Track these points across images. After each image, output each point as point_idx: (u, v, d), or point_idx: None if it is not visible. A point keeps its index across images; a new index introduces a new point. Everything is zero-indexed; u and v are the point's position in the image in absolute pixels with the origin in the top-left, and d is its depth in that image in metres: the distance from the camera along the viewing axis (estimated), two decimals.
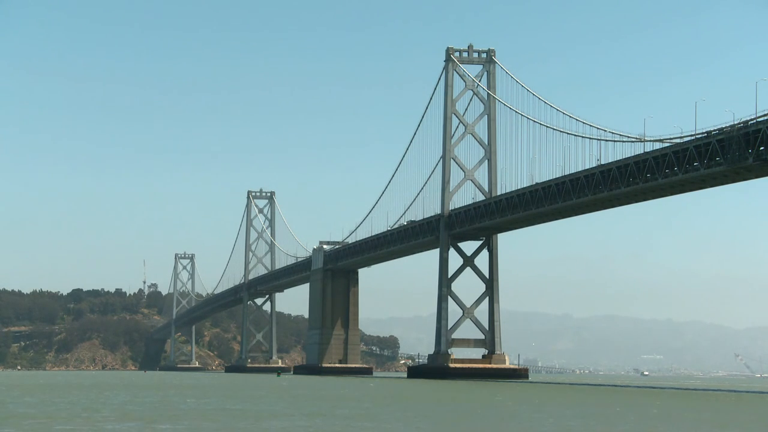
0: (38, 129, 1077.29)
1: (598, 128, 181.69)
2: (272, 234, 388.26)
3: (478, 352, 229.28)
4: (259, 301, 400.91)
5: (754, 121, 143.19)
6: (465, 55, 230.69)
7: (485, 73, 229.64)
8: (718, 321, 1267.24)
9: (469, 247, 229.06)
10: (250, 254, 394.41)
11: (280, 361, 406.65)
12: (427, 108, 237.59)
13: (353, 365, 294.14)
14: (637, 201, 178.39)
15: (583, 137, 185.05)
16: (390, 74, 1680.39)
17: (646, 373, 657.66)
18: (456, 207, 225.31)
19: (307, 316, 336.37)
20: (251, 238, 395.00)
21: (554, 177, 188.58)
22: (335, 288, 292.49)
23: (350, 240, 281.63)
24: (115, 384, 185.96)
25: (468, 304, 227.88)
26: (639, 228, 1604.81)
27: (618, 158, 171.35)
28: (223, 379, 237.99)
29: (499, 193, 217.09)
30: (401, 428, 72.18)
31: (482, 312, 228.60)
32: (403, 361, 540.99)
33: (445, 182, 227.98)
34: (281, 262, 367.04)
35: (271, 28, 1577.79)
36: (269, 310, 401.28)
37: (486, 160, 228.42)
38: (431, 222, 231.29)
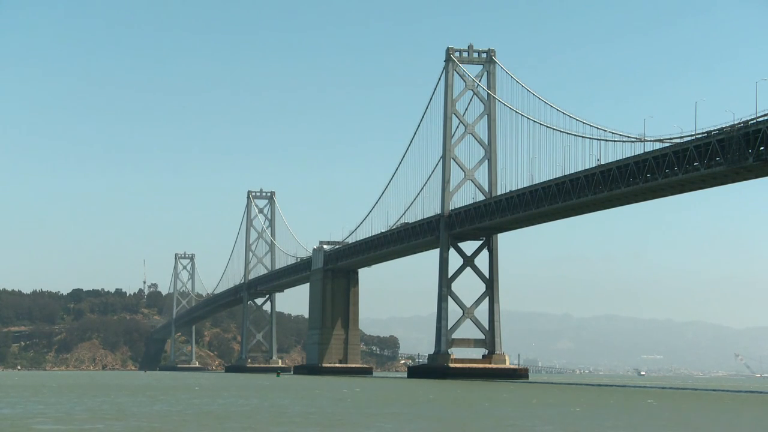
0: (38, 129, 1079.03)
1: (598, 128, 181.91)
2: (272, 234, 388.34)
3: (478, 352, 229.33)
4: (259, 301, 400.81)
5: (754, 121, 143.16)
6: (465, 55, 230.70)
7: (485, 73, 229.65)
8: (718, 321, 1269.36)
9: (469, 247, 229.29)
10: (250, 254, 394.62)
11: (280, 361, 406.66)
12: (427, 108, 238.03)
13: (353, 365, 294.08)
14: (637, 201, 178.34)
15: (583, 137, 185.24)
16: (390, 74, 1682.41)
17: (643, 372, 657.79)
18: (456, 207, 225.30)
19: (307, 316, 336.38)
20: (251, 238, 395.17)
21: (554, 177, 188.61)
22: (335, 288, 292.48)
23: (350, 240, 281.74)
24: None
25: (468, 304, 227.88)
26: (639, 228, 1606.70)
27: (618, 158, 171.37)
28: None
29: (499, 193, 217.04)
30: None
31: (482, 312, 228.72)
32: (403, 361, 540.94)
33: (445, 182, 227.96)
34: (281, 262, 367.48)
35: (271, 28, 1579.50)
36: (269, 310, 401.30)
37: (486, 160, 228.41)
38: (431, 222, 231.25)
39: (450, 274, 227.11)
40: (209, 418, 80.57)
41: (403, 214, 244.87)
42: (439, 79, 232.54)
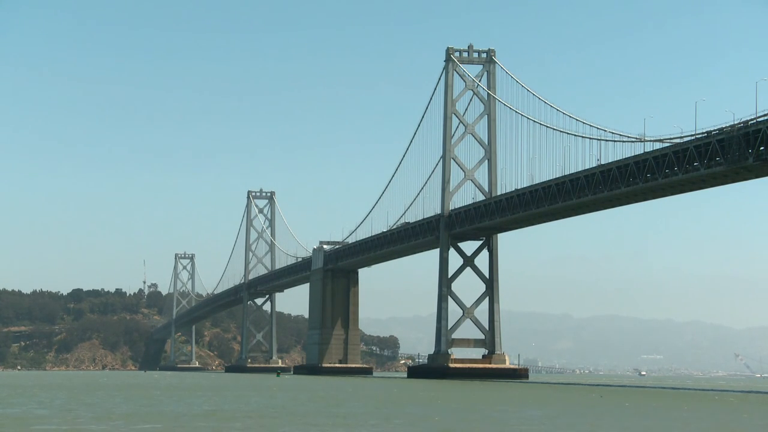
0: (38, 129, 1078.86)
1: (598, 128, 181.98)
2: (272, 234, 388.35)
3: (478, 352, 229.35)
4: (259, 301, 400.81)
5: (754, 121, 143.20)
6: (465, 55, 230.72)
7: (485, 73, 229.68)
8: (718, 321, 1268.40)
9: (469, 247, 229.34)
10: (250, 254, 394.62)
11: (280, 361, 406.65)
12: (427, 108, 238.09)
13: (353, 365, 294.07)
14: (637, 201, 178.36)
15: (583, 137, 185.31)
16: (390, 74, 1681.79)
17: (644, 373, 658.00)
18: (456, 207, 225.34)
19: (307, 316, 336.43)
20: (251, 238, 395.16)
21: (554, 177, 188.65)
22: (335, 288, 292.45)
23: (350, 240, 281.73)
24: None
25: (468, 304, 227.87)
26: (639, 228, 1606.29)
27: (618, 158, 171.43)
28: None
29: (499, 193, 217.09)
30: None
31: (482, 312, 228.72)
32: (403, 361, 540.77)
33: (445, 182, 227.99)
34: (281, 262, 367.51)
35: (271, 28, 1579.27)
36: (269, 310, 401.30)
37: (486, 160, 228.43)
38: (431, 222, 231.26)
39: (450, 274, 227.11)
40: (214, 418, 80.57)
41: (403, 214, 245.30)
42: (439, 79, 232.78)
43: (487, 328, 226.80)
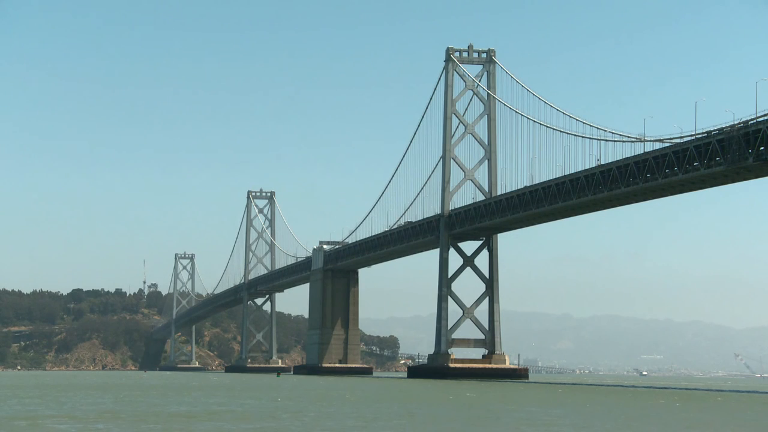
0: (38, 129, 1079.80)
1: (598, 128, 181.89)
2: (272, 234, 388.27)
3: (478, 352, 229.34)
4: (259, 301, 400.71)
5: (754, 121, 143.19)
6: (465, 55, 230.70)
7: (485, 73, 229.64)
8: (718, 321, 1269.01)
9: (469, 247, 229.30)
10: (250, 254, 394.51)
11: (280, 361, 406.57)
12: (427, 108, 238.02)
13: (353, 365, 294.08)
14: (637, 201, 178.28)
15: (583, 137, 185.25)
16: (390, 74, 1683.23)
17: (645, 373, 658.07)
18: (456, 207, 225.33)
19: (307, 316, 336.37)
20: (251, 238, 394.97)
21: (554, 177, 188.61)
22: (335, 288, 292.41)
23: (350, 240, 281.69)
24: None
25: (468, 304, 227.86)
26: (639, 228, 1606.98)
27: (618, 158, 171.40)
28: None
29: (499, 193, 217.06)
30: None
31: (482, 312, 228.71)
32: (403, 361, 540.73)
33: (445, 182, 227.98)
34: (281, 262, 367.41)
35: (271, 28, 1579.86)
36: (269, 310, 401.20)
37: (486, 160, 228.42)
38: (431, 222, 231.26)
39: (450, 274, 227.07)
40: (216, 418, 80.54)
41: (403, 214, 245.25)
42: (439, 79, 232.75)
43: (487, 328, 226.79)
